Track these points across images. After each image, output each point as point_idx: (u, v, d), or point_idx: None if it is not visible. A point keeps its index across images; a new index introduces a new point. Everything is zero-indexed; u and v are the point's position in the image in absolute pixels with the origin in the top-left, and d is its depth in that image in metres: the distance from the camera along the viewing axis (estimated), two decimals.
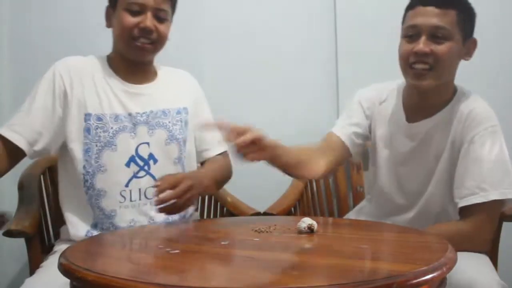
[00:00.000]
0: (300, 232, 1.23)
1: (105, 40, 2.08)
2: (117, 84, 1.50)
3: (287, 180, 2.02)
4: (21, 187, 1.68)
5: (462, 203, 1.40)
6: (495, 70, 2.13)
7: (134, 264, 1.07)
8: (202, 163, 1.67)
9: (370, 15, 2.16)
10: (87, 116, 1.45)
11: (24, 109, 1.44)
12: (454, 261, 1.00)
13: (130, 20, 1.44)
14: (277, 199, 1.91)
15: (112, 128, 1.46)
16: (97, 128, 1.45)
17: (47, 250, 1.62)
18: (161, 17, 1.46)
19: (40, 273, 1.37)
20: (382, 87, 1.65)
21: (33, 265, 1.52)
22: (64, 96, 1.45)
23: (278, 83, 2.19)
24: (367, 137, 1.66)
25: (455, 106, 1.49)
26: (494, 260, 1.56)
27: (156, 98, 1.54)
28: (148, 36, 1.45)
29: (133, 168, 1.48)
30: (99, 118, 1.46)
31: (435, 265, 0.94)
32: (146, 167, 1.49)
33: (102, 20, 2.12)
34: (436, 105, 1.50)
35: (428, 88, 1.46)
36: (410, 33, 1.45)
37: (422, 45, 1.42)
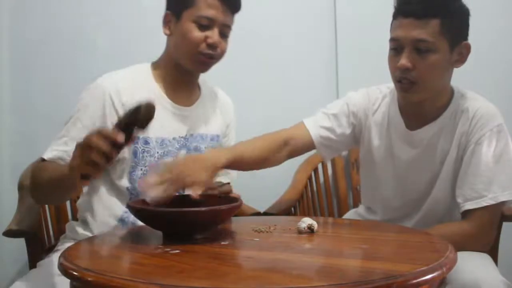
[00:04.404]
0: (300, 232, 1.23)
1: (105, 41, 2.10)
2: (165, 106, 1.47)
3: (287, 180, 2.03)
4: (21, 187, 1.68)
5: (470, 205, 1.39)
6: (496, 70, 2.14)
7: (134, 264, 1.07)
8: None
9: (370, 15, 2.16)
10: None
11: (69, 135, 1.37)
12: (454, 261, 1.00)
13: (199, 34, 1.43)
14: (277, 199, 1.91)
15: (158, 152, 1.44)
16: (143, 152, 1.43)
17: (47, 250, 1.63)
18: (225, 33, 1.47)
19: (31, 275, 1.38)
20: (373, 94, 1.59)
21: (33, 266, 1.53)
22: (117, 117, 1.38)
23: (278, 83, 2.19)
24: (344, 144, 1.61)
25: (456, 108, 1.46)
26: (494, 260, 1.56)
27: (196, 121, 1.52)
28: (212, 51, 1.44)
29: None
30: (146, 142, 1.43)
31: (435, 265, 0.94)
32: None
33: (102, 21, 2.13)
34: (435, 110, 1.47)
35: (417, 101, 1.44)
36: (394, 46, 1.40)
37: (404, 60, 1.36)
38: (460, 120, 1.45)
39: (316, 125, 1.57)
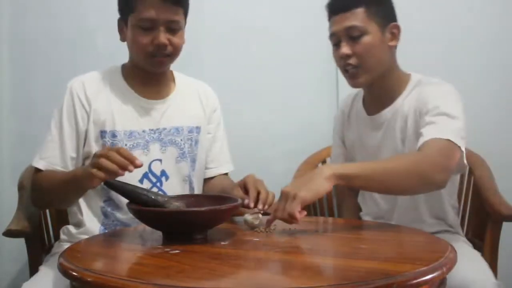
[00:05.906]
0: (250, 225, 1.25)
1: (105, 41, 2.10)
2: (132, 100, 1.50)
3: (287, 180, 2.02)
4: (21, 187, 1.68)
5: (428, 136, 1.35)
6: (495, 69, 2.14)
7: (133, 264, 1.07)
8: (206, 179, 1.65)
9: None
10: (102, 133, 1.45)
11: (54, 139, 1.46)
12: (454, 261, 1.00)
13: (143, 38, 1.42)
14: (277, 199, 1.91)
15: (126, 144, 1.46)
16: (112, 145, 1.45)
17: (47, 250, 1.63)
18: (174, 28, 1.43)
19: (38, 277, 1.37)
20: (347, 98, 1.74)
21: (33, 265, 1.53)
22: (86, 115, 1.46)
23: (278, 83, 2.19)
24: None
25: (413, 91, 1.52)
26: (494, 260, 1.56)
27: (169, 115, 1.53)
28: (163, 51, 1.43)
29: (146, 184, 1.47)
30: (114, 135, 1.46)
31: (435, 265, 0.94)
32: (158, 184, 1.49)
33: (102, 21, 2.13)
34: (391, 95, 1.55)
35: (365, 84, 1.54)
36: (334, 42, 1.55)
37: (342, 49, 1.50)
38: (414, 101, 1.49)
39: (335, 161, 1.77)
